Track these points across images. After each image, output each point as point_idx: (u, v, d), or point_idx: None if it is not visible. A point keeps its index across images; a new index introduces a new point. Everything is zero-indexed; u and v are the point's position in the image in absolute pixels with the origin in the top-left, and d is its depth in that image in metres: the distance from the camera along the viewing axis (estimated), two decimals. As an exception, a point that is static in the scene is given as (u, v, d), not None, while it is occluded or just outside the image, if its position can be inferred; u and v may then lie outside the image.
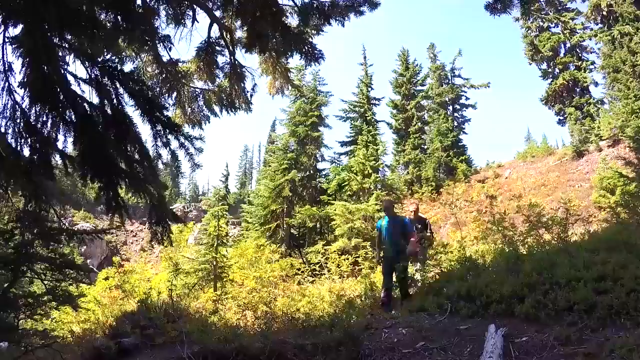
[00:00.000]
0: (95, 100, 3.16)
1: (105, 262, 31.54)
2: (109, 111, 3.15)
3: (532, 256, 6.38)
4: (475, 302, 5.19)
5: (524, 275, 5.36)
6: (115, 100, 3.08)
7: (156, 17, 6.98)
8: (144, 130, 3.55)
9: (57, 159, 3.62)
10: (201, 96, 8.69)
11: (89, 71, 3.07)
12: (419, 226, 8.45)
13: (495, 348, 3.82)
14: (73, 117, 3.08)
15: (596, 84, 27.12)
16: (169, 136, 3.38)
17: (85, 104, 3.06)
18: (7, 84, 3.57)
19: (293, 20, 7.22)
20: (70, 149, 3.41)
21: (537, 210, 8.02)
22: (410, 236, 7.37)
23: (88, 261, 35.39)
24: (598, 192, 17.84)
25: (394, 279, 7.41)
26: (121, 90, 3.13)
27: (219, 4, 7.29)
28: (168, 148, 3.44)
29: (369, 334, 4.88)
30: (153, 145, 3.44)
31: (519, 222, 8.71)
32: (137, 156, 3.36)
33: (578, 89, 27.91)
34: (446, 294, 5.81)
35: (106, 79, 3.06)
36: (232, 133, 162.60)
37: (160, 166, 3.84)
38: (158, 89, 7.84)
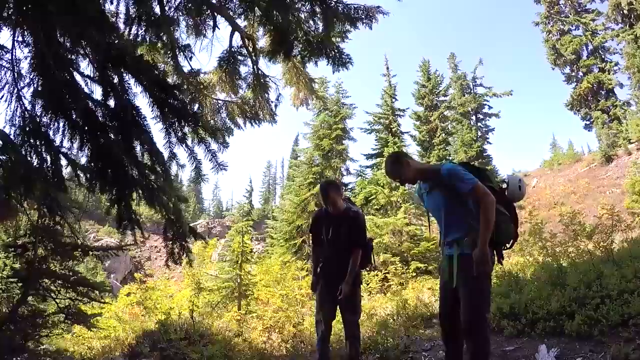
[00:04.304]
0: (99, 94, 2.87)
1: (129, 277, 31.68)
2: (113, 104, 2.83)
3: (575, 268, 6.04)
4: (520, 320, 4.88)
5: (570, 288, 5.04)
6: (120, 88, 2.74)
7: (176, 27, 6.83)
8: (156, 132, 3.05)
9: (67, 169, 3.33)
10: (224, 108, 8.43)
11: (91, 58, 2.78)
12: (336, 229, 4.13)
13: (551, 371, 3.36)
14: (77, 117, 2.80)
15: (621, 86, 26.82)
16: (186, 129, 2.97)
17: (88, 100, 2.76)
18: (16, 88, 3.35)
19: (318, 26, 6.94)
20: (80, 156, 3.11)
21: (579, 219, 7.54)
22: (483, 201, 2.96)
23: (112, 276, 35.72)
24: (631, 198, 17.12)
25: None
26: (127, 77, 2.81)
27: (240, 11, 7.05)
28: (184, 145, 3.02)
29: (407, 358, 4.44)
30: (166, 143, 3.01)
31: (556, 232, 8.26)
32: (147, 158, 2.98)
33: (603, 92, 27.41)
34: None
35: (110, 65, 2.76)
36: (254, 149, 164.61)
37: (175, 169, 3.43)
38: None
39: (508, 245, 3.21)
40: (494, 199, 2.92)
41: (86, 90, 2.89)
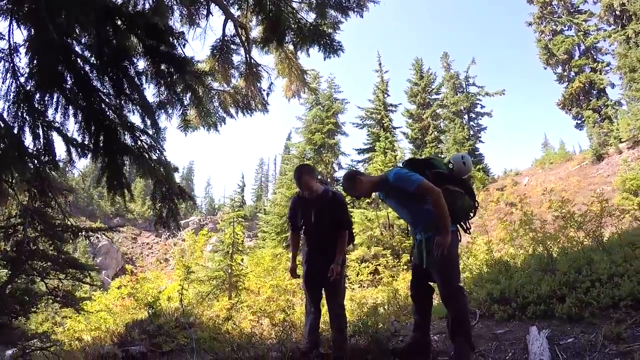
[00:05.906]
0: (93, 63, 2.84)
1: (121, 273, 31.56)
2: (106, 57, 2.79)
3: (566, 255, 6.10)
4: (511, 305, 4.89)
5: (561, 273, 5.09)
6: (114, 36, 2.70)
7: (170, 16, 6.81)
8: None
9: (61, 147, 3.31)
10: (216, 97, 8.41)
11: (88, 19, 2.74)
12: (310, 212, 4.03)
13: (543, 350, 3.42)
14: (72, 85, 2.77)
15: (613, 86, 27.07)
16: (175, 76, 2.92)
17: (80, 61, 2.73)
18: (11, 64, 3.32)
19: (309, 16, 6.97)
20: (71, 128, 3.08)
21: (569, 208, 7.61)
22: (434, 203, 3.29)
23: (103, 272, 35.53)
24: (621, 195, 17.35)
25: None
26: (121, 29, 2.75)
27: (234, 0, 7.06)
28: (172, 91, 2.99)
29: (397, 341, 4.46)
30: (155, 92, 2.98)
31: (547, 223, 8.33)
32: (138, 112, 2.92)
33: (595, 92, 27.70)
34: (476, 298, 5.48)
35: (105, 17, 2.70)
36: (247, 146, 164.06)
37: (165, 120, 3.37)
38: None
39: (472, 215, 3.62)
40: (438, 191, 3.25)
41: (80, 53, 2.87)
